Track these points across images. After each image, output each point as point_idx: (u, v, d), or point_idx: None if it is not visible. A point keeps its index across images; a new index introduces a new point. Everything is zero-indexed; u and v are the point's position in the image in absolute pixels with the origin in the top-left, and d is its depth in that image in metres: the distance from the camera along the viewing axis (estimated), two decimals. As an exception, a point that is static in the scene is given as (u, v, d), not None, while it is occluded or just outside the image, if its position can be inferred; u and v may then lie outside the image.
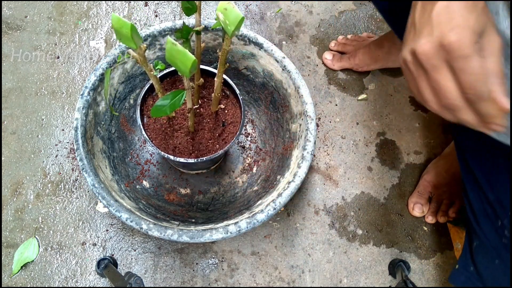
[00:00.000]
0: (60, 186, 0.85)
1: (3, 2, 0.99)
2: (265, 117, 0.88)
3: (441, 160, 0.90)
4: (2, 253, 0.80)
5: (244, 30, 0.77)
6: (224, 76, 0.69)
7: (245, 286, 0.82)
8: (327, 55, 0.99)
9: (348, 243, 0.86)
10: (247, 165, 0.88)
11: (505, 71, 0.36)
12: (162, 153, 0.68)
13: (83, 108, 0.70)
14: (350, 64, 0.98)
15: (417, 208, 0.87)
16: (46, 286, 0.79)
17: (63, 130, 0.90)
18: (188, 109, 0.66)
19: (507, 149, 0.53)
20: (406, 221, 0.89)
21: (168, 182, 0.85)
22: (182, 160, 0.68)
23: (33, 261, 0.80)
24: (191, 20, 0.78)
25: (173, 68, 0.72)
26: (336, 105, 0.97)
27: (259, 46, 0.78)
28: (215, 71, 0.67)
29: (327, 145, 0.94)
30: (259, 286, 0.82)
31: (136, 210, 0.69)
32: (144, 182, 0.83)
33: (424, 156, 0.95)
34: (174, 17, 1.04)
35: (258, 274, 0.83)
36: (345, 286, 0.84)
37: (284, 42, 1.02)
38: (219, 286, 0.81)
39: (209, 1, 1.05)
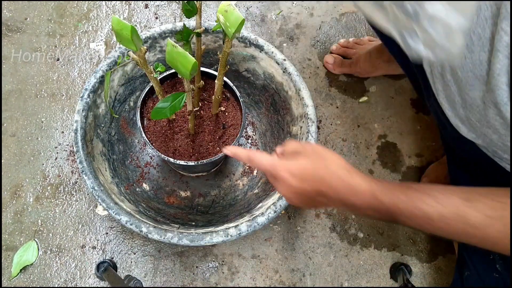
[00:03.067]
0: (59, 189, 0.85)
1: (3, 4, 0.99)
2: (266, 120, 0.88)
3: (440, 165, 0.89)
4: (2, 256, 0.80)
5: (244, 32, 0.77)
6: (225, 79, 0.69)
7: (246, 287, 0.82)
8: (329, 59, 0.98)
9: (349, 246, 0.86)
10: (247, 167, 0.87)
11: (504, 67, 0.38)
12: (162, 155, 0.68)
13: (83, 111, 0.70)
14: (350, 71, 0.98)
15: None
16: (46, 287, 0.78)
17: (62, 132, 0.90)
18: (189, 112, 0.65)
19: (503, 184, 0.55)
20: (407, 224, 0.89)
21: (168, 185, 0.84)
22: (182, 162, 0.68)
23: (32, 264, 0.79)
24: (191, 22, 0.77)
25: (173, 71, 0.71)
26: (337, 107, 0.97)
27: (260, 48, 0.77)
28: (216, 73, 0.67)
29: (328, 147, 0.93)
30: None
31: (136, 213, 0.69)
32: (144, 185, 0.82)
33: (426, 159, 0.94)
34: (175, 19, 1.03)
35: (259, 278, 0.82)
36: (346, 289, 0.83)
37: (284, 44, 1.02)
38: (219, 289, 0.81)
39: (210, 3, 1.05)
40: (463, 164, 0.64)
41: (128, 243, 0.82)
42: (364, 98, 0.98)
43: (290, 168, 0.45)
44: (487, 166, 0.55)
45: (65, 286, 0.79)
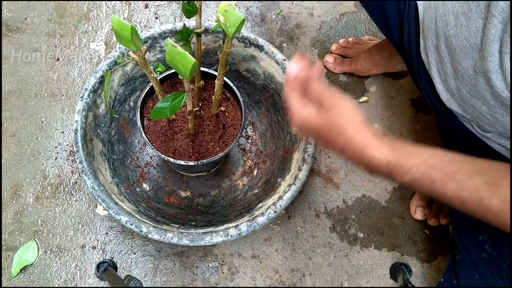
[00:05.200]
0: (59, 189, 0.85)
1: (3, 4, 0.99)
2: (266, 120, 0.88)
3: None
4: (2, 256, 0.80)
5: (244, 32, 0.77)
6: (225, 79, 0.69)
7: (245, 287, 0.82)
8: (329, 59, 0.98)
9: (349, 246, 0.86)
10: (247, 167, 0.87)
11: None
12: (162, 155, 0.68)
13: (83, 111, 0.70)
14: (351, 69, 0.98)
15: (419, 211, 0.87)
16: (46, 287, 0.78)
17: (62, 132, 0.90)
18: (189, 112, 0.65)
19: None
20: (407, 224, 0.89)
21: (168, 184, 0.84)
22: (182, 162, 0.68)
23: (32, 264, 0.80)
24: (191, 22, 0.77)
25: (173, 70, 0.71)
26: (337, 107, 0.97)
27: (260, 48, 0.77)
28: (216, 73, 0.67)
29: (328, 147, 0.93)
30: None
31: (136, 213, 0.69)
32: (144, 185, 0.82)
33: (426, 159, 0.94)
34: (175, 19, 1.03)
35: (259, 278, 0.82)
36: (346, 289, 0.83)
37: (284, 44, 1.02)
38: (219, 289, 0.81)
39: (210, 3, 1.05)
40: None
41: (128, 243, 0.82)
42: (364, 98, 0.98)
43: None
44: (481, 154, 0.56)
45: (65, 286, 0.79)
